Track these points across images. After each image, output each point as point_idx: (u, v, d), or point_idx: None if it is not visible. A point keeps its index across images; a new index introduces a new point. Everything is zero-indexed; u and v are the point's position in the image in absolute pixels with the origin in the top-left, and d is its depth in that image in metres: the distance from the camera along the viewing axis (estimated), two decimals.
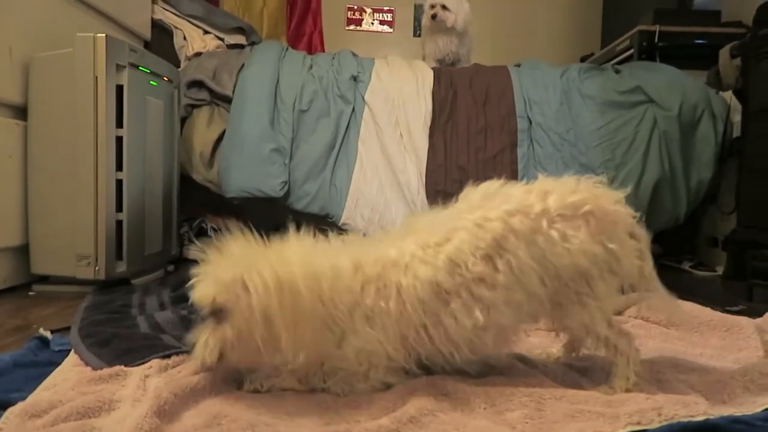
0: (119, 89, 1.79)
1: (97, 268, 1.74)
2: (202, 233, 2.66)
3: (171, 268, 2.20)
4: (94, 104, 1.73)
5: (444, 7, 2.73)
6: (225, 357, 0.86)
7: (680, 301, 1.36)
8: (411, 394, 0.86)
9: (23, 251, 1.80)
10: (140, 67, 1.90)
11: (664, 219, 2.45)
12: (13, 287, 1.79)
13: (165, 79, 2.10)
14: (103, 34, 1.73)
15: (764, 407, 0.84)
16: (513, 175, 2.47)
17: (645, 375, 0.93)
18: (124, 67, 1.80)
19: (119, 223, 1.81)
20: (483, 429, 0.77)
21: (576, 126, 2.48)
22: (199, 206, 2.71)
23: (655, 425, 0.75)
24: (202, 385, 0.87)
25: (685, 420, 0.76)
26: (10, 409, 0.80)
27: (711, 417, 0.78)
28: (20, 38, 1.77)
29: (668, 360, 1.05)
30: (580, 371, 1.01)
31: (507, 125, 2.53)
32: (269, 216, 2.88)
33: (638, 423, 0.75)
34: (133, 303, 1.51)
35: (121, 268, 1.81)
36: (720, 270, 2.43)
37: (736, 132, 2.44)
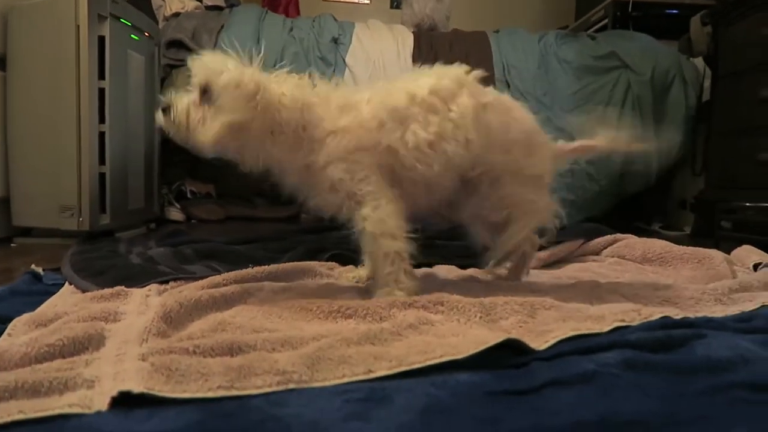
0: (101, 41, 1.78)
1: (80, 219, 1.73)
2: (181, 196, 2.65)
3: (153, 226, 2.19)
4: (76, 54, 1.71)
5: None
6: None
7: (654, 239, 1.45)
8: (408, 306, 0.90)
9: (4, 204, 1.78)
10: (122, 20, 1.88)
11: (636, 181, 2.53)
12: None
13: (146, 34, 2.08)
14: None
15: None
16: None
17: (623, 292, 0.99)
18: (106, 17, 1.78)
19: (102, 175, 1.80)
20: (480, 336, 0.81)
21: (553, 89, 2.54)
22: (179, 170, 2.71)
23: (637, 323, 0.81)
24: (206, 299, 0.89)
25: (662, 317, 0.82)
26: (17, 318, 0.81)
27: (687, 317, 0.84)
28: None
29: (644, 283, 1.11)
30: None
31: None
32: (247, 182, 2.89)
33: (622, 320, 0.81)
34: (120, 249, 1.51)
35: (105, 220, 1.81)
36: (688, 230, 2.53)
37: (706, 97, 2.54)
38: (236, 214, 2.70)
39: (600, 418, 0.55)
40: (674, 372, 0.67)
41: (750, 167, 2.05)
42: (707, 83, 2.53)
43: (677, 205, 2.78)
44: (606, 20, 3.18)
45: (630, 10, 3.05)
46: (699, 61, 2.61)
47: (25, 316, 0.82)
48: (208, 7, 2.78)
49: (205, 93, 0.94)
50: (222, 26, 2.54)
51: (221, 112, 0.92)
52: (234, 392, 0.61)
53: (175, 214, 2.51)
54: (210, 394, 0.60)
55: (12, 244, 1.76)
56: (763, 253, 1.38)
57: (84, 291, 1.03)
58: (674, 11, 3.01)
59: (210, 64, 0.95)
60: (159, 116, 0.95)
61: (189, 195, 2.66)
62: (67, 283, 1.10)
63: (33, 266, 1.20)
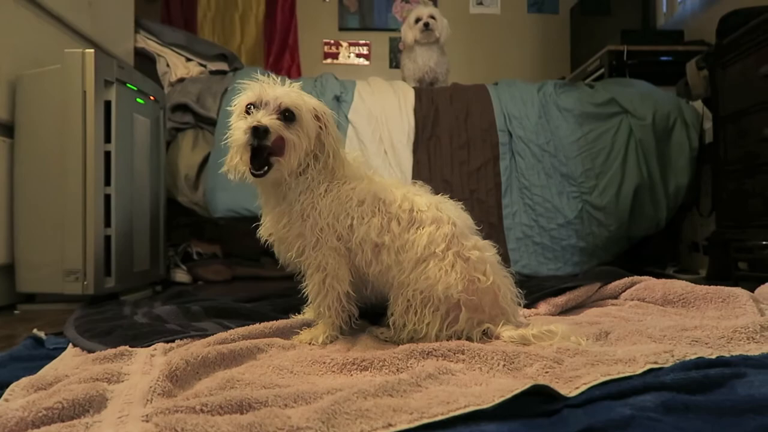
0: (107, 105, 1.80)
1: (85, 282, 1.70)
2: (187, 258, 2.63)
3: (159, 288, 2.16)
4: (82, 119, 1.73)
5: (432, 17, 2.85)
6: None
7: (674, 280, 1.40)
8: (427, 356, 0.86)
9: (8, 270, 1.75)
10: (128, 84, 1.92)
11: (646, 225, 2.51)
12: None
13: (151, 98, 2.11)
14: (92, 50, 1.75)
15: None
16: (497, 187, 2.52)
17: (652, 334, 0.95)
18: (112, 83, 1.81)
19: (107, 238, 1.79)
20: (505, 384, 0.77)
21: (555, 138, 2.55)
22: (184, 232, 2.70)
23: (670, 364, 0.76)
24: (213, 356, 0.85)
25: (696, 358, 0.77)
26: (15, 383, 0.77)
27: (722, 356, 0.79)
28: (8, 58, 1.77)
29: (670, 324, 1.06)
30: None
31: (488, 139, 2.59)
32: (253, 241, 2.87)
33: (655, 362, 0.76)
34: (125, 310, 1.47)
35: (110, 283, 1.78)
36: (703, 273, 2.48)
37: (708, 139, 2.54)
38: (243, 273, 2.67)
39: None
40: (717, 413, 0.62)
41: (761, 205, 2.03)
42: (708, 125, 2.54)
43: (688, 247, 2.74)
44: (602, 70, 3.24)
45: (625, 58, 3.11)
46: (698, 104, 2.63)
47: (24, 380, 0.78)
48: (212, 72, 2.84)
49: (286, 116, 1.06)
50: (226, 89, 2.59)
51: (302, 135, 1.06)
52: None
53: (182, 275, 2.48)
54: None
55: (15, 311, 1.72)
56: None
57: (90, 352, 0.99)
58: (668, 58, 3.07)
59: (293, 93, 1.09)
60: (248, 138, 1.02)
61: (195, 256, 2.64)
62: (70, 346, 1.06)
63: (35, 331, 1.17)
